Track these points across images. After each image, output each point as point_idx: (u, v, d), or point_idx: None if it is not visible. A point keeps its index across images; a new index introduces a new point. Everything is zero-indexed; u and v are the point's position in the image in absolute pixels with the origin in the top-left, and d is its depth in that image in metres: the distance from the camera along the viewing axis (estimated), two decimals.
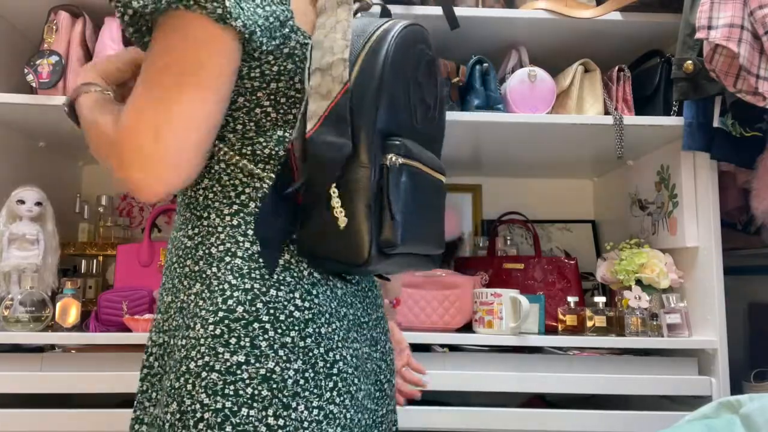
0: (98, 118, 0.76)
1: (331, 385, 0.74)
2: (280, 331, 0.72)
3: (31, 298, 1.33)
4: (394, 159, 0.74)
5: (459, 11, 1.43)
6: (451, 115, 1.40)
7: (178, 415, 0.70)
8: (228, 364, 0.70)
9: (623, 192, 1.80)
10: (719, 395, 1.32)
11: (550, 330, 1.49)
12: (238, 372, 0.70)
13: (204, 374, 0.70)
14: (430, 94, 0.84)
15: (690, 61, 1.30)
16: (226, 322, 0.72)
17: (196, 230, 0.78)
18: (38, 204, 1.41)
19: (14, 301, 1.31)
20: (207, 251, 0.76)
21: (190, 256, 0.77)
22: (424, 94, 0.82)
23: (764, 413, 0.96)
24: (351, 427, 0.76)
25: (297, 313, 0.74)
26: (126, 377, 1.26)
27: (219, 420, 0.69)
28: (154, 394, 0.78)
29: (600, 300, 1.44)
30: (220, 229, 0.76)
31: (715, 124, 1.35)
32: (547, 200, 1.99)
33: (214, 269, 0.74)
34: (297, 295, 0.74)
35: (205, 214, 0.77)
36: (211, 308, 0.73)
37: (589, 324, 1.41)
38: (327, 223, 0.72)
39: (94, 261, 1.69)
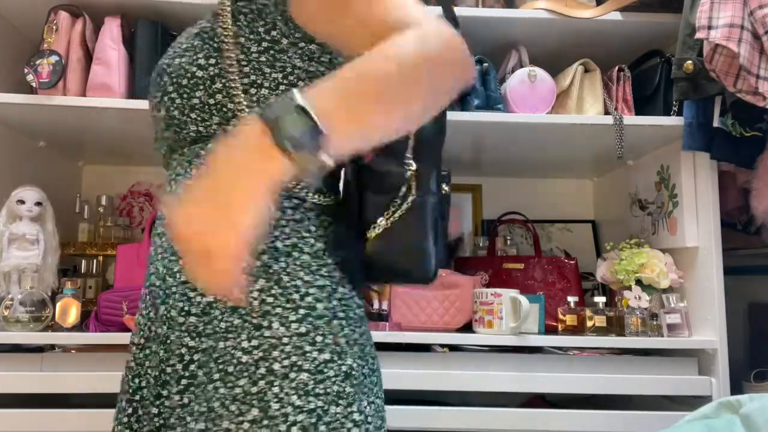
0: (391, 61, 0.62)
1: (376, 380, 0.77)
2: (351, 327, 0.73)
3: (31, 298, 1.33)
4: (446, 189, 0.82)
5: (459, 11, 1.43)
6: (452, 115, 1.40)
7: (265, 422, 0.66)
8: (316, 362, 0.69)
9: (623, 192, 1.80)
10: (719, 395, 1.32)
11: (550, 330, 1.49)
12: (326, 370, 0.69)
13: (293, 375, 0.68)
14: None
15: (690, 61, 1.30)
16: (310, 319, 0.70)
17: None
18: (38, 204, 1.41)
19: (14, 301, 1.31)
20: (271, 245, 0.72)
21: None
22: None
23: (764, 413, 0.96)
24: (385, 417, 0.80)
25: (358, 310, 0.76)
26: None
27: (313, 421, 0.67)
28: (196, 407, 0.69)
29: (600, 300, 1.43)
30: (283, 222, 0.73)
31: (715, 124, 1.35)
32: (547, 200, 1.99)
33: (282, 264, 0.72)
34: (355, 292, 0.77)
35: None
36: (288, 306, 0.70)
37: (589, 324, 1.41)
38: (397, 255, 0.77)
39: (94, 261, 1.69)
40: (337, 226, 0.77)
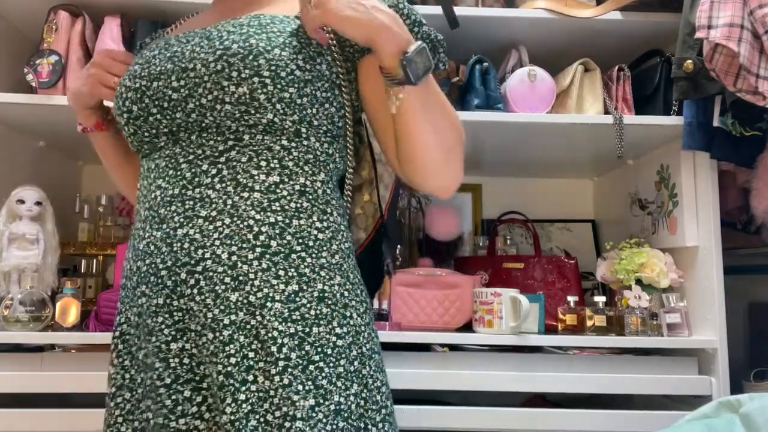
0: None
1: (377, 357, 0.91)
2: (370, 315, 0.88)
3: (31, 297, 1.33)
4: None
5: (459, 11, 1.43)
6: None
7: (365, 393, 0.80)
8: (377, 345, 0.86)
9: (623, 191, 1.80)
10: (719, 395, 1.32)
11: (550, 329, 1.49)
12: (380, 352, 0.86)
13: (375, 356, 0.83)
14: None
15: (690, 61, 1.30)
16: (367, 311, 0.85)
17: (326, 224, 0.83)
18: (38, 204, 1.41)
19: (14, 301, 1.31)
20: (339, 246, 0.84)
21: (325, 248, 0.82)
22: None
23: (764, 413, 0.96)
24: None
25: (366, 303, 0.87)
26: None
27: (388, 391, 0.84)
28: (300, 386, 0.75)
29: (600, 299, 1.43)
30: (342, 227, 0.86)
31: (715, 123, 1.35)
32: (547, 200, 1.99)
33: (350, 263, 0.85)
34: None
35: (328, 210, 0.85)
36: (357, 299, 0.84)
37: (589, 323, 1.41)
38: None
39: (94, 261, 1.69)
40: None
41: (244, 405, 0.73)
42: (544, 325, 1.46)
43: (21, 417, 1.24)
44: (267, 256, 0.78)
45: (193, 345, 0.78)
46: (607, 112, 1.45)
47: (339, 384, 0.77)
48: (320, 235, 0.82)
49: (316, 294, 0.79)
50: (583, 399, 1.49)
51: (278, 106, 0.80)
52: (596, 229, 1.98)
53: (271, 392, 0.74)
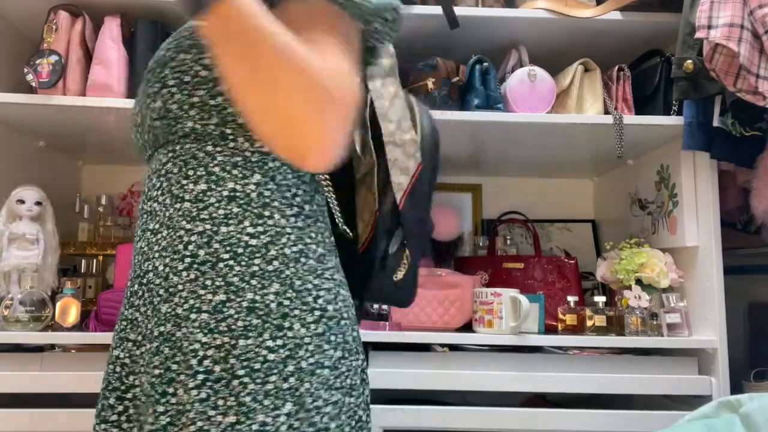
0: (286, 36, 0.64)
1: (366, 377, 0.84)
2: (353, 327, 0.81)
3: (31, 297, 1.33)
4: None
5: (459, 11, 1.43)
6: (451, 115, 1.40)
7: (301, 414, 0.72)
8: (333, 359, 0.76)
9: (623, 191, 1.80)
10: (719, 395, 1.32)
11: (550, 329, 1.49)
12: (340, 366, 0.77)
13: (318, 371, 0.74)
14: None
15: (690, 61, 1.30)
16: (324, 320, 0.76)
17: (261, 229, 0.76)
18: (38, 203, 1.41)
19: (14, 301, 1.31)
20: (280, 251, 0.76)
21: (258, 255, 0.75)
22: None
23: (764, 413, 0.96)
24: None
25: (354, 311, 0.82)
26: None
27: (336, 411, 0.75)
28: (220, 401, 0.71)
29: (600, 299, 1.43)
30: (288, 230, 0.77)
31: (715, 123, 1.35)
32: (547, 200, 1.99)
33: (292, 269, 0.76)
34: (351, 294, 0.83)
35: (267, 213, 0.77)
36: (303, 308, 0.75)
37: (589, 323, 1.40)
38: (387, 279, 0.89)
39: (94, 261, 1.69)
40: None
41: (161, 417, 0.71)
42: (544, 325, 1.46)
43: (21, 417, 1.24)
44: (195, 266, 0.75)
45: (127, 354, 0.79)
46: (607, 112, 1.45)
47: (266, 402, 0.71)
48: (252, 241, 0.75)
49: (245, 304, 0.73)
50: (583, 399, 1.49)
51: (192, 113, 0.77)
52: (596, 229, 1.98)
53: (188, 406, 0.70)
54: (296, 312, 0.74)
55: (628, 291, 1.44)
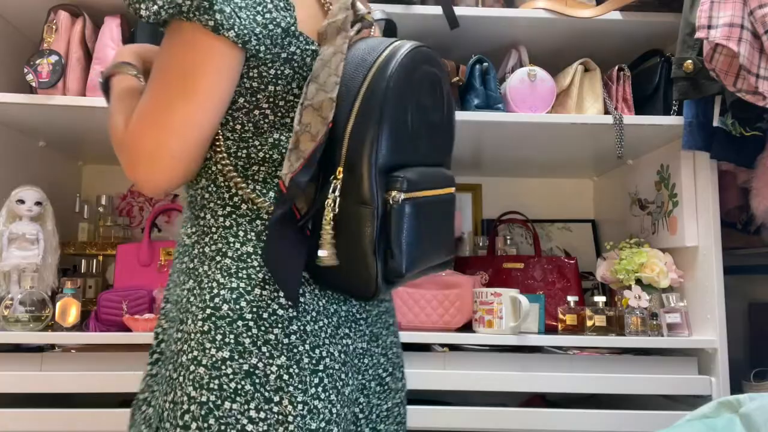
0: (116, 113, 0.80)
1: (316, 380, 0.76)
2: (263, 328, 0.75)
3: (31, 297, 1.33)
4: (396, 196, 0.74)
5: (459, 11, 1.43)
6: None
7: (171, 405, 0.75)
8: (214, 359, 0.74)
9: (623, 191, 1.80)
10: (719, 395, 1.32)
11: (550, 329, 1.49)
12: (223, 367, 0.73)
13: (192, 368, 0.74)
14: (436, 112, 0.85)
15: (690, 61, 1.30)
16: (213, 319, 0.75)
17: (194, 229, 0.81)
18: (38, 204, 1.41)
19: (14, 301, 1.31)
20: (201, 250, 0.79)
21: (187, 253, 0.81)
22: (429, 115, 0.83)
23: (764, 413, 0.96)
24: (337, 421, 0.78)
25: (281, 311, 0.76)
26: (126, 377, 1.26)
27: (203, 413, 0.72)
28: (145, 379, 0.83)
29: (600, 299, 1.43)
30: (213, 229, 0.79)
31: (715, 123, 1.35)
32: (547, 200, 1.99)
33: (206, 267, 0.78)
34: (282, 293, 0.76)
35: (202, 214, 0.80)
36: (200, 305, 0.76)
37: (589, 323, 1.40)
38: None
39: (94, 261, 1.69)
40: (272, 231, 0.76)
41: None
42: (544, 325, 1.46)
43: (21, 417, 1.24)
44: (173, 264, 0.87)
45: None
46: (607, 112, 1.45)
47: (160, 388, 0.78)
48: (187, 241, 0.81)
49: (173, 298, 0.82)
50: (583, 399, 1.49)
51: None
52: (596, 229, 1.98)
53: (147, 378, 0.84)
54: (193, 308, 0.77)
55: (628, 291, 1.44)
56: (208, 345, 0.74)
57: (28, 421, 1.24)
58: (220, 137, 0.79)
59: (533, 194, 1.99)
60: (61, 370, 1.28)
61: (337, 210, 0.73)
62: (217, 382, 0.73)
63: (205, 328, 0.75)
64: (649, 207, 1.64)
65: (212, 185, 0.80)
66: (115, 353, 1.30)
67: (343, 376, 0.80)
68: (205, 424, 0.72)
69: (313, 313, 0.78)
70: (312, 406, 0.75)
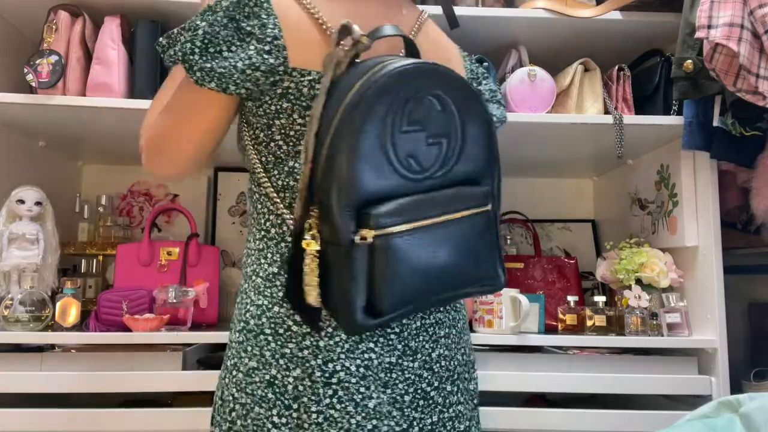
0: (155, 101, 0.93)
1: (330, 392, 0.81)
2: (279, 342, 0.83)
3: (31, 297, 1.33)
4: (367, 234, 0.72)
5: (459, 10, 1.43)
6: None
7: (220, 402, 0.87)
8: (247, 367, 0.84)
9: (623, 191, 1.80)
10: (719, 394, 1.32)
11: (550, 329, 1.49)
12: (253, 375, 0.83)
13: (234, 373, 0.85)
14: (433, 128, 0.78)
15: (690, 61, 1.30)
16: (245, 332, 0.86)
17: (245, 251, 0.93)
18: (38, 204, 1.41)
19: (14, 301, 1.31)
20: (245, 270, 0.90)
21: (242, 271, 0.92)
22: (423, 137, 0.77)
23: (764, 412, 0.96)
24: (358, 431, 0.81)
25: (295, 327, 0.83)
26: (126, 377, 1.26)
27: (244, 412, 0.83)
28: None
29: (600, 299, 1.44)
30: (252, 251, 0.89)
31: (715, 123, 1.35)
32: (547, 200, 1.99)
33: (246, 285, 0.88)
34: (294, 312, 0.83)
35: (249, 238, 0.92)
36: (238, 317, 0.88)
37: (589, 323, 1.41)
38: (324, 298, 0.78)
39: (94, 261, 1.69)
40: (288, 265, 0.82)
41: None
42: (544, 325, 1.46)
43: (21, 417, 1.24)
44: None
45: None
46: (607, 112, 1.45)
47: (218, 383, 0.91)
48: (243, 260, 0.93)
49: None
50: (583, 399, 1.49)
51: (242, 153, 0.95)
52: (596, 229, 1.98)
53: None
54: (235, 320, 0.89)
55: (628, 291, 1.44)
56: (243, 354, 0.85)
57: (28, 421, 1.24)
58: (255, 170, 0.88)
59: (533, 194, 1.99)
60: (61, 370, 1.28)
61: (318, 248, 0.74)
62: (250, 388, 0.83)
63: (240, 339, 0.86)
64: (649, 207, 1.64)
65: (255, 212, 0.90)
66: (115, 353, 1.30)
67: (362, 389, 0.83)
68: (246, 422, 0.83)
69: (329, 329, 0.83)
70: (328, 415, 0.81)
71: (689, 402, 1.31)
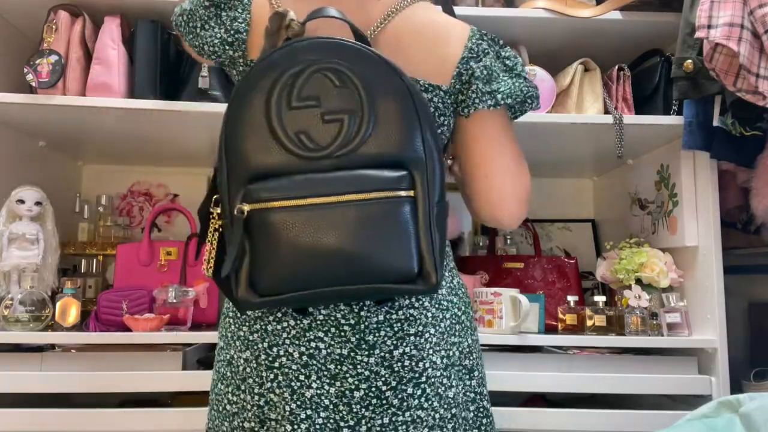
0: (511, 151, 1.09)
1: (272, 376, 0.83)
2: (236, 325, 0.87)
3: (31, 297, 1.32)
4: (242, 207, 0.75)
5: (459, 11, 1.43)
6: None
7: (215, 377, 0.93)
8: (219, 347, 0.92)
9: (623, 191, 1.80)
10: (719, 394, 1.32)
11: (550, 329, 1.49)
12: (220, 354, 0.91)
13: (215, 354, 0.93)
14: (339, 107, 0.76)
15: (690, 60, 1.30)
16: (222, 316, 0.93)
17: None
18: (38, 203, 1.41)
19: (14, 301, 1.31)
20: None
21: None
22: (315, 115, 0.75)
23: (764, 412, 0.96)
24: (291, 419, 0.80)
25: (249, 312, 0.85)
26: (126, 377, 1.26)
27: (212, 386, 0.92)
28: None
29: (600, 299, 1.43)
30: None
31: (715, 123, 1.35)
32: (547, 200, 1.99)
33: None
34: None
35: None
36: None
37: (589, 323, 1.40)
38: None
39: (94, 261, 1.69)
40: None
41: None
42: (544, 325, 1.46)
43: (21, 417, 1.24)
44: None
45: None
46: (607, 112, 1.45)
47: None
48: None
49: None
50: (583, 399, 1.49)
51: None
52: (596, 229, 1.98)
53: None
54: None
55: (628, 291, 1.44)
56: (221, 336, 0.91)
57: (28, 421, 1.24)
58: None
59: (533, 194, 1.97)
60: (61, 370, 1.28)
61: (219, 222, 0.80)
62: (218, 366, 0.91)
63: (220, 323, 0.92)
64: (649, 207, 1.64)
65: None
66: (115, 353, 1.30)
67: (302, 377, 0.81)
68: (212, 396, 0.91)
69: (278, 314, 0.84)
70: (269, 399, 0.83)
71: (689, 402, 1.31)
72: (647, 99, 1.50)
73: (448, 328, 0.88)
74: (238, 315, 0.87)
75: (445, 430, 0.86)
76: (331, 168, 0.75)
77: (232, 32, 0.89)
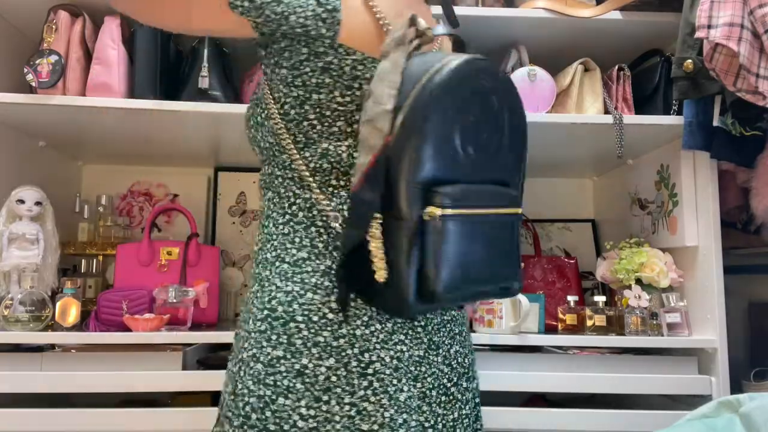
0: None
1: (365, 383, 0.79)
2: (313, 330, 0.80)
3: (31, 297, 1.32)
4: (434, 212, 0.73)
5: (459, 10, 1.43)
6: None
7: (232, 396, 0.82)
8: (269, 357, 0.80)
9: (623, 191, 1.80)
10: (719, 394, 1.32)
11: (550, 329, 1.49)
12: (277, 365, 0.79)
13: (251, 364, 0.81)
14: (488, 126, 0.81)
15: (690, 60, 1.30)
16: (269, 320, 0.81)
17: (259, 237, 0.89)
18: (38, 203, 1.41)
19: (14, 301, 1.31)
20: (264, 256, 0.86)
21: (255, 259, 0.89)
22: (479, 130, 0.80)
23: (764, 412, 0.96)
24: (392, 426, 0.79)
25: (331, 315, 0.80)
26: (126, 377, 1.26)
27: (261, 405, 0.79)
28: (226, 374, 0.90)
29: (600, 299, 1.43)
30: (274, 236, 0.86)
31: (715, 123, 1.35)
32: (547, 200, 1.99)
33: (267, 272, 0.84)
34: (333, 298, 0.81)
35: (266, 223, 0.88)
36: (259, 306, 0.83)
37: (589, 323, 1.40)
38: (370, 277, 0.74)
39: (94, 260, 1.69)
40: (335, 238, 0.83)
41: None
42: (544, 325, 1.46)
43: (21, 417, 1.24)
44: None
45: None
46: (607, 112, 1.45)
47: (226, 378, 0.87)
48: (255, 248, 0.89)
49: (245, 300, 0.89)
50: (583, 399, 1.49)
51: (252, 147, 0.93)
52: (596, 228, 1.98)
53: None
54: (254, 309, 0.84)
55: (628, 291, 1.44)
56: (264, 344, 0.80)
57: (28, 421, 1.24)
58: (283, 151, 0.85)
59: (533, 194, 1.98)
60: (61, 370, 1.28)
61: (380, 227, 0.74)
62: (272, 378, 0.79)
63: (263, 327, 0.81)
64: (649, 207, 1.64)
65: (276, 197, 0.87)
66: (115, 353, 1.30)
67: (395, 381, 0.81)
68: (263, 416, 0.78)
69: (365, 318, 0.81)
70: (361, 408, 0.78)
71: (689, 402, 1.31)
72: (647, 99, 1.50)
73: (467, 327, 0.99)
74: (314, 320, 0.79)
75: (480, 419, 0.95)
76: (483, 181, 0.82)
77: (326, 6, 0.81)
